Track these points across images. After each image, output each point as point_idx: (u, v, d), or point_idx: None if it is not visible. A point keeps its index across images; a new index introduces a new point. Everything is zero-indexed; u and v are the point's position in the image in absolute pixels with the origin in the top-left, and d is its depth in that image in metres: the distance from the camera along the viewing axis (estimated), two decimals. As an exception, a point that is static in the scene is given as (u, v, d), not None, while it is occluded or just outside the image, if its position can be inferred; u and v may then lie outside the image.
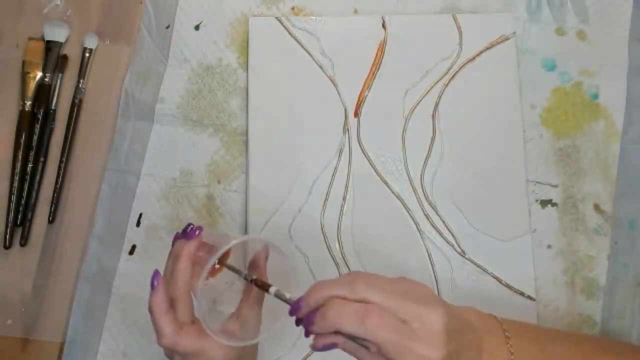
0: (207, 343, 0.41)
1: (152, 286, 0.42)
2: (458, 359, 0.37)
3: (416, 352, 0.35)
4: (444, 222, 0.58)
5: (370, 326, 0.35)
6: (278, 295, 0.40)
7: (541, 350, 0.43)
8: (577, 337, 0.52)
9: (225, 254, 0.44)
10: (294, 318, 0.39)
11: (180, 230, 0.45)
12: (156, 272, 0.43)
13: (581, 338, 0.51)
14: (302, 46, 0.61)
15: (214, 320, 0.43)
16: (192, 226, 0.44)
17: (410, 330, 0.35)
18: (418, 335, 0.35)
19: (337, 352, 0.56)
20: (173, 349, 0.41)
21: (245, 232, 0.58)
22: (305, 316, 0.38)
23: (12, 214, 0.58)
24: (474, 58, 0.61)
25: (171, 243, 0.45)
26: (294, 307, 0.38)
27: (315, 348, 0.38)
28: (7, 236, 0.58)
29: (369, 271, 0.56)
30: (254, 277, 0.43)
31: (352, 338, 0.36)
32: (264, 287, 0.41)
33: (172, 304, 0.42)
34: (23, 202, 0.58)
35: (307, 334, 0.38)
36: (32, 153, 0.59)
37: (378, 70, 0.61)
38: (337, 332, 0.36)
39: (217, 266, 0.46)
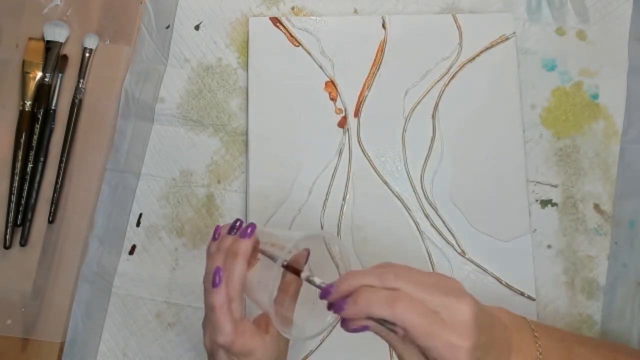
0: (258, 343, 0.42)
1: (214, 284, 0.41)
2: (487, 353, 0.37)
3: (444, 339, 0.35)
4: (444, 222, 0.58)
5: (400, 310, 0.35)
6: (309, 280, 0.40)
7: (568, 351, 0.43)
8: (598, 342, 0.52)
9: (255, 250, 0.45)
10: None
11: (216, 226, 0.45)
12: (218, 269, 0.42)
13: (602, 343, 0.52)
14: (302, 46, 0.61)
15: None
16: (239, 221, 0.44)
17: (439, 319, 0.35)
18: (447, 323, 0.35)
19: (338, 352, 0.55)
20: (229, 347, 0.41)
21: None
22: (336, 302, 0.38)
23: (12, 214, 0.58)
24: (474, 58, 0.61)
25: (211, 235, 0.45)
26: (324, 292, 0.39)
27: (348, 330, 0.39)
28: (7, 236, 0.58)
29: (368, 271, 0.57)
30: (286, 262, 0.42)
31: (382, 323, 0.37)
32: (296, 271, 0.42)
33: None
34: (23, 202, 0.58)
35: (341, 322, 0.39)
36: (32, 153, 0.59)
37: (378, 70, 0.61)
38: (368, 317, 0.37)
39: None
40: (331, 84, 0.61)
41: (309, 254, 0.45)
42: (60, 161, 0.60)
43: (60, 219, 0.59)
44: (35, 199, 0.59)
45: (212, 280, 0.41)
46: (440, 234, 0.58)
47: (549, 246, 0.59)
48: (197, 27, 0.63)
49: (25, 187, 0.59)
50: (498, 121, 0.60)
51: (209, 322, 0.42)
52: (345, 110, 0.60)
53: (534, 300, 0.56)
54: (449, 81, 0.61)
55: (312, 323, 0.44)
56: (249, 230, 0.43)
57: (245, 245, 0.42)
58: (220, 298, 0.41)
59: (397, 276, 0.37)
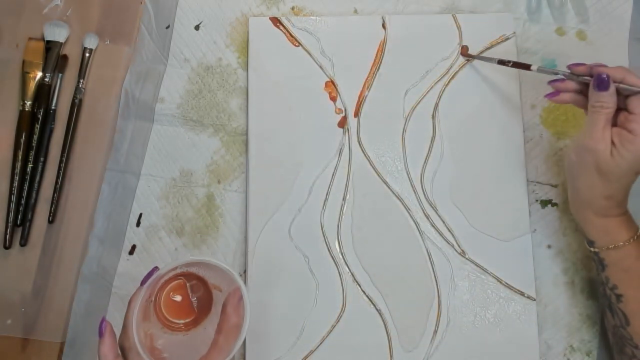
0: None
1: (100, 334, 0.43)
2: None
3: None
4: (444, 222, 0.58)
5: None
6: (541, 70, 0.52)
7: None
8: None
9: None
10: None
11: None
12: (103, 320, 0.44)
13: None
14: (302, 46, 0.61)
15: None
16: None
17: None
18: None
19: (338, 352, 0.55)
20: None
21: (246, 233, 0.58)
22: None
23: (12, 214, 0.58)
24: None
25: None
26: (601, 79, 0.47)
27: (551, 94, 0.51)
28: (7, 236, 0.58)
29: (368, 272, 0.57)
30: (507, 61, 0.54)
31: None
32: (524, 66, 0.53)
33: (124, 352, 0.43)
34: (23, 202, 0.58)
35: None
36: (32, 153, 0.59)
37: (378, 70, 0.61)
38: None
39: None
40: (331, 84, 0.61)
41: (240, 295, 0.45)
42: (60, 161, 0.60)
43: (60, 219, 0.59)
44: (35, 199, 0.59)
45: (99, 330, 0.43)
46: (440, 234, 0.58)
47: (549, 246, 0.59)
48: (197, 27, 0.63)
49: (25, 187, 0.59)
50: (498, 121, 0.60)
51: None
52: (345, 110, 0.60)
53: (534, 300, 0.56)
54: (449, 81, 0.61)
55: None
56: (144, 280, 0.45)
57: (135, 295, 0.45)
58: (102, 349, 0.42)
59: None
